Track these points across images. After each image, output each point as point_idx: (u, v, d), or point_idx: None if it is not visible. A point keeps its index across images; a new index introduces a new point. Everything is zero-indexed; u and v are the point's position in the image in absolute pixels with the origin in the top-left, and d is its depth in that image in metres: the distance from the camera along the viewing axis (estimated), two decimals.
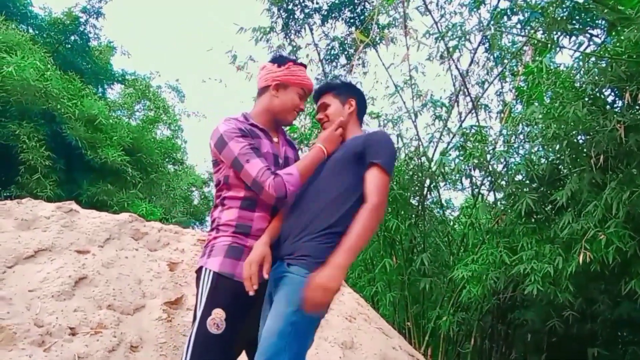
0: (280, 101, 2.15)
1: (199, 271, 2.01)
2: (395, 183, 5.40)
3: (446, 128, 6.42)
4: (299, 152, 2.39)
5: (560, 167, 4.95)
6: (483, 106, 6.67)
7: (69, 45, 10.81)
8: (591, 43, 4.90)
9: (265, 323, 1.88)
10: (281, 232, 1.99)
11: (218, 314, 1.87)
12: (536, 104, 4.54)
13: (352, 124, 2.19)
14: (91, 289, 3.19)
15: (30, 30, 10.43)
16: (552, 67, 4.63)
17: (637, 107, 4.19)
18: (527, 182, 5.13)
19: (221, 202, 2.09)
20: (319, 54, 8.25)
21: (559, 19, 4.31)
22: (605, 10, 3.84)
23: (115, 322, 3.06)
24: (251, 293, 1.85)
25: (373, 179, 1.91)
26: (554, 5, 4.37)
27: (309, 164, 2.03)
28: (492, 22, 6.14)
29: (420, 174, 6.02)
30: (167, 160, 11.81)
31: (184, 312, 3.37)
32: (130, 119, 11.40)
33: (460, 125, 6.37)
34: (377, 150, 1.96)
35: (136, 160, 9.52)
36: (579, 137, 4.59)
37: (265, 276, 1.86)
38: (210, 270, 1.95)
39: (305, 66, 2.27)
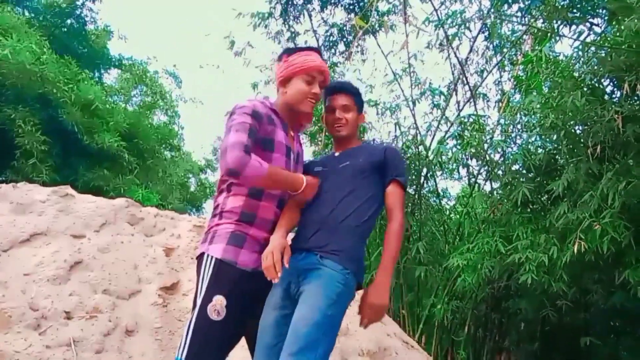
0: (288, 95, 2.12)
1: (200, 257, 1.99)
2: None
3: (444, 117, 6.41)
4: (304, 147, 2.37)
5: (557, 157, 4.95)
6: (481, 95, 6.66)
7: (65, 29, 10.68)
8: (591, 32, 4.88)
9: (271, 311, 1.90)
10: (306, 224, 2.02)
11: (219, 301, 1.86)
12: (535, 93, 4.54)
13: (356, 138, 2.27)
14: (87, 274, 3.20)
15: (26, 13, 10.32)
16: (551, 57, 4.61)
17: (636, 98, 4.19)
18: (524, 171, 5.13)
19: (227, 188, 2.04)
20: (317, 41, 8.20)
21: (559, 7, 4.28)
22: None
23: (110, 307, 3.08)
24: (275, 281, 1.84)
25: (397, 196, 2.07)
26: None
27: (282, 177, 1.98)
28: (492, 10, 6.11)
29: (417, 163, 6.01)
30: (163, 146, 11.77)
31: (179, 297, 3.38)
32: (127, 105, 11.34)
33: (458, 114, 6.37)
34: (398, 167, 2.12)
35: (133, 145, 9.48)
36: (577, 127, 4.59)
37: (286, 265, 1.86)
38: (212, 257, 1.93)
39: (311, 49, 2.23)
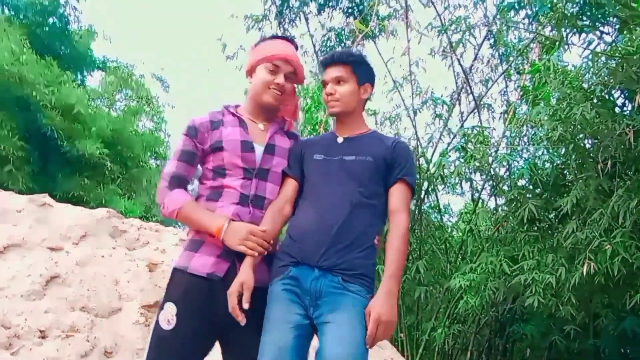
0: (251, 85, 2.15)
1: None
2: None
3: (446, 128, 6.44)
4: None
5: (565, 172, 4.98)
6: (486, 105, 6.70)
7: (47, 28, 10.71)
8: (601, 41, 4.94)
9: (288, 331, 1.80)
10: (309, 233, 1.90)
11: (169, 308, 1.92)
12: (542, 104, 4.57)
13: (360, 114, 2.15)
14: (64, 289, 3.17)
15: (6, 11, 10.36)
16: (559, 66, 4.66)
17: None
18: (531, 187, 5.15)
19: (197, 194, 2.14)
20: (314, 45, 8.25)
21: (568, 14, 4.33)
22: (618, 7, 3.87)
23: (89, 325, 3.05)
24: (242, 323, 1.82)
25: (403, 196, 1.97)
26: None
27: (196, 217, 1.97)
28: (498, 17, 6.17)
29: (417, 176, 6.02)
30: (149, 154, 11.77)
31: None
32: (111, 109, 11.36)
33: (462, 126, 6.39)
34: (410, 169, 2.01)
35: (116, 153, 9.49)
36: (586, 141, 4.62)
37: (246, 306, 1.80)
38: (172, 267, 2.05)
39: (283, 38, 2.24)
